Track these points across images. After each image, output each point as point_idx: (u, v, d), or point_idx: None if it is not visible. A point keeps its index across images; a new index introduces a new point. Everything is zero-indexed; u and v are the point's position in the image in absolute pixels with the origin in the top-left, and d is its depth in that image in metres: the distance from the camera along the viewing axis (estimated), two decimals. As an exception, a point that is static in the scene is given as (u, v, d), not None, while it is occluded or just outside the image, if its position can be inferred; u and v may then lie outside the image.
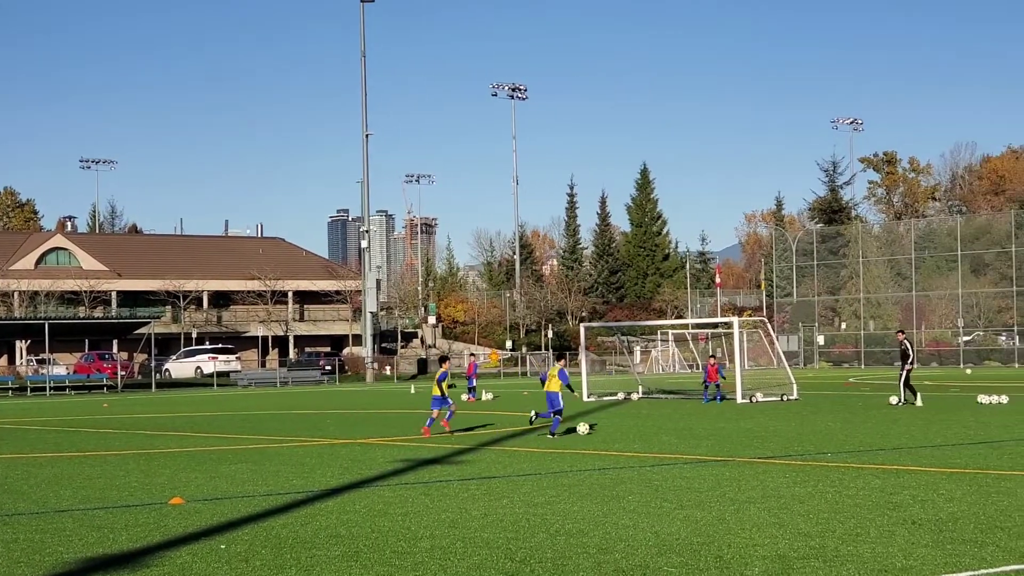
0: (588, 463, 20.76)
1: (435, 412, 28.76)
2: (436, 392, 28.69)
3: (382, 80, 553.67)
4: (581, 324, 54.63)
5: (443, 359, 31.21)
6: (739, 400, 41.45)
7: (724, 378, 44.40)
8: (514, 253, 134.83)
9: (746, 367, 50.46)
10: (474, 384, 48.82)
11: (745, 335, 56.58)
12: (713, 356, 48.72)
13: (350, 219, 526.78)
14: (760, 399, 41.76)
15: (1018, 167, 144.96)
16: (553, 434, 26.81)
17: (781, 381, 46.25)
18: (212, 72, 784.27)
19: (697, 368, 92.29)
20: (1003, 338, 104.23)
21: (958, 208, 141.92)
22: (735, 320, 47.84)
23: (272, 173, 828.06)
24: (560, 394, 27.59)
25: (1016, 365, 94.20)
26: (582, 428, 27.80)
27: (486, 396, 48.16)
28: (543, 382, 28.73)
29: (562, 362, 28.73)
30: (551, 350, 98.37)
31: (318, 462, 21.97)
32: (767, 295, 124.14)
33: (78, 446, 27.46)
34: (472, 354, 58.20)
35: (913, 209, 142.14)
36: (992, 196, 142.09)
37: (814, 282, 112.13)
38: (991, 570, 10.59)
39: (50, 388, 70.74)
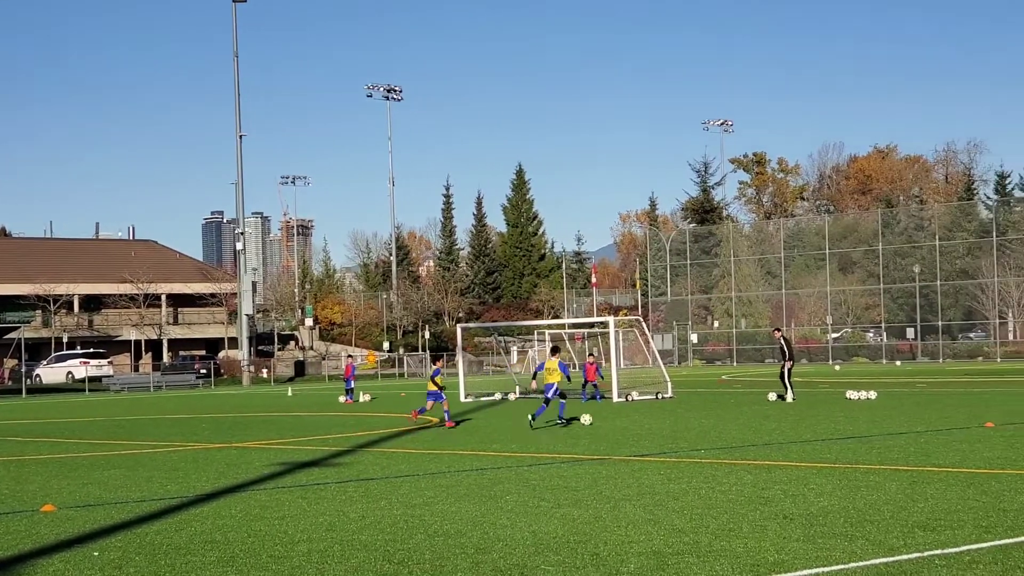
0: (466, 463, 20.81)
1: (429, 404, 31.39)
2: (431, 387, 31.21)
3: (257, 80, 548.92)
4: (458, 325, 54.69)
5: (436, 357, 33.94)
6: (615, 399, 41.84)
7: (603, 378, 44.77)
8: (391, 255, 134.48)
9: (622, 366, 50.94)
10: (352, 386, 48.63)
11: (621, 334, 57.18)
12: (591, 355, 49.10)
13: (225, 221, 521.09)
14: (636, 398, 42.19)
15: (884, 167, 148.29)
16: (562, 419, 29.80)
17: (656, 379, 46.81)
18: (81, 72, 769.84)
19: (575, 367, 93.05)
20: (871, 335, 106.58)
21: (826, 207, 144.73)
22: (611, 319, 48.25)
23: (144, 175, 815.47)
24: (556, 385, 29.87)
25: (884, 361, 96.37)
26: (585, 419, 30.08)
27: (364, 398, 47.99)
28: (536, 374, 31.86)
29: (559, 355, 30.97)
30: (428, 351, 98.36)
31: (193, 467, 21.73)
32: (642, 294, 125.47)
33: (-56, 454, 26.80)
34: (349, 356, 57.82)
35: (782, 209, 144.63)
36: (859, 195, 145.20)
37: (687, 281, 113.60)
38: (861, 563, 10.81)
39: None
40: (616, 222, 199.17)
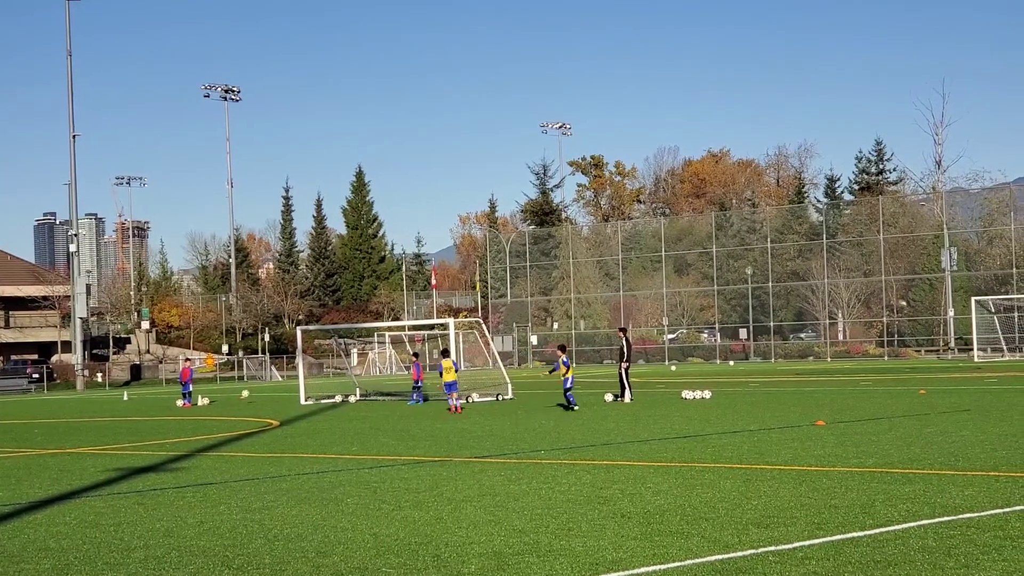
0: (306, 466, 20.70)
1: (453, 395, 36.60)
2: (449, 378, 36.71)
3: (91, 78, 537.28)
4: (298, 327, 54.32)
5: (444, 352, 39.66)
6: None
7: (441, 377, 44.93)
8: (229, 256, 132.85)
9: (462, 367, 51.07)
10: (189, 389, 47.84)
11: (461, 336, 57.32)
12: (416, 355, 49.44)
13: (58, 223, 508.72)
14: (476, 399, 42.34)
15: (717, 170, 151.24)
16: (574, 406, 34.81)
17: (496, 381, 47.04)
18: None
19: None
20: (705, 335, 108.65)
21: (662, 210, 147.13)
22: (451, 321, 48.39)
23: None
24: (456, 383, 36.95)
25: (718, 361, 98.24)
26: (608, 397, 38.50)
27: (202, 401, 47.39)
28: (555, 371, 37.25)
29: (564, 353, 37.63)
30: (268, 354, 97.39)
31: (25, 473, 21.24)
32: (482, 296, 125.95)
33: None
34: (187, 359, 56.92)
35: (620, 211, 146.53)
36: (694, 199, 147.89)
37: (527, 283, 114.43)
38: (697, 560, 10.99)
39: None
40: (456, 224, 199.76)
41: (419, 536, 12.85)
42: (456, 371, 37.48)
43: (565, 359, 36.47)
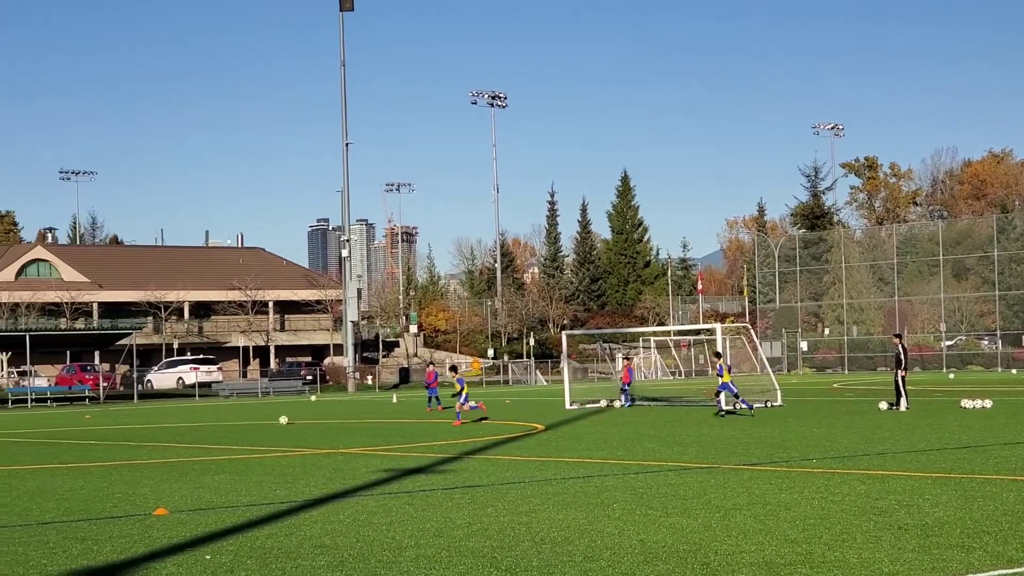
0: (572, 471, 20.71)
1: (465, 405, 36.74)
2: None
3: (362, 88, 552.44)
4: (563, 332, 54.54)
5: (452, 368, 41.40)
6: (723, 407, 41.39)
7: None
8: (495, 261, 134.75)
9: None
10: (435, 393, 47.78)
11: (728, 341, 56.65)
12: (627, 359, 49.69)
13: (330, 228, 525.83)
14: (741, 406, 41.69)
15: (999, 171, 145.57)
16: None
17: (765, 387, 46.28)
18: (192, 82, 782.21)
19: (680, 375, 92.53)
20: (985, 342, 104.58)
21: (939, 213, 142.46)
22: (717, 326, 47.83)
23: (252, 183, 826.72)
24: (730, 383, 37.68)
25: (999, 369, 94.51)
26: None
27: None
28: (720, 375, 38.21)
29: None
30: (533, 358, 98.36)
31: (301, 472, 21.88)
32: (749, 301, 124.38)
33: (60, 458, 27.30)
34: (430, 363, 57.73)
35: (894, 214, 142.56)
36: (973, 201, 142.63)
37: (797, 288, 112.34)
38: (979, 575, 10.56)
39: (32, 400, 70.43)
40: (723, 228, 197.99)
41: (687, 544, 12.66)
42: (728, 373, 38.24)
43: (720, 366, 38.28)
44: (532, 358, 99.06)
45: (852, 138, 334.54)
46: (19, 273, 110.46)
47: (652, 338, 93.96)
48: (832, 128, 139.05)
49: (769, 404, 42.46)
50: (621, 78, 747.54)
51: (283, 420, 38.53)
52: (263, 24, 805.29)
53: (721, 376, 38.28)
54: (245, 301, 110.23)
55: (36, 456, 28.18)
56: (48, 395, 73.69)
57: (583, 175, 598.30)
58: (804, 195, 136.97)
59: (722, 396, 37.36)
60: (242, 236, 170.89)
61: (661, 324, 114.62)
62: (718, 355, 39.85)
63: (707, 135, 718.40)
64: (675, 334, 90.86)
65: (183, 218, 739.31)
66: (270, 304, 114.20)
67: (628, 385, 46.61)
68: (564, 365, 50.10)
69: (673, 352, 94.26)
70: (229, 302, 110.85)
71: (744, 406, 37.04)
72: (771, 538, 12.83)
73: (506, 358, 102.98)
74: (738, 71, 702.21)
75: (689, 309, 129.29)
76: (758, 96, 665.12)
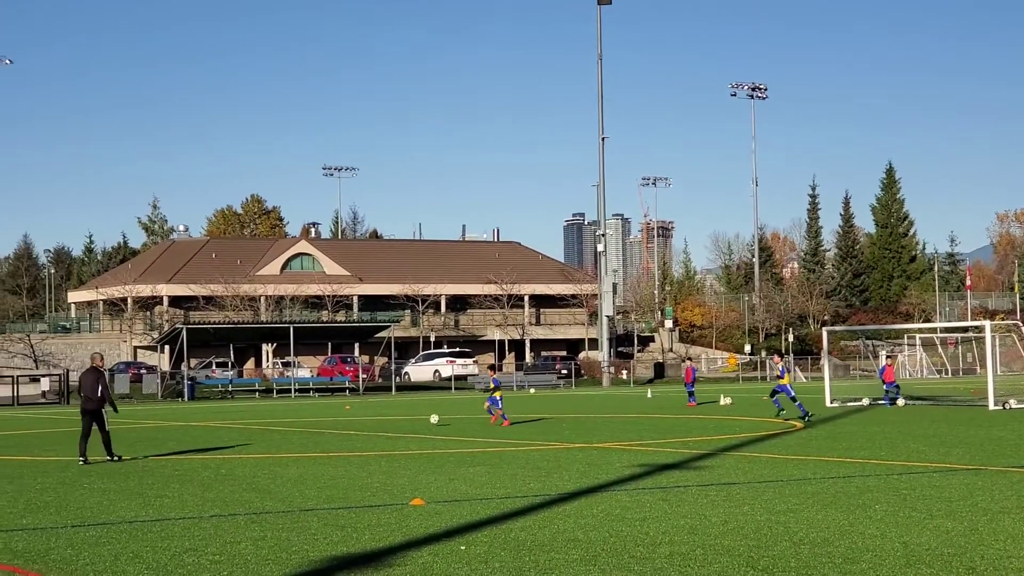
0: (832, 470, 20.21)
1: (495, 408, 36.27)
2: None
3: (618, 82, 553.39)
4: (823, 328, 53.45)
5: (491, 367, 41.44)
6: (991, 407, 39.89)
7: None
8: (753, 256, 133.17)
9: (998, 373, 48.46)
10: (692, 389, 47.77)
11: (997, 339, 54.48)
12: (891, 356, 48.15)
13: (586, 223, 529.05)
14: (1014, 405, 40.12)
15: None
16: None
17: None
18: (448, 80, 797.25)
19: (946, 374, 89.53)
20: None
21: None
22: (987, 324, 46.05)
23: (508, 178, 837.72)
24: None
25: None
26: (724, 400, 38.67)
27: (724, 401, 47.56)
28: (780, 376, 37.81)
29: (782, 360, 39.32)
30: (791, 355, 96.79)
31: (555, 466, 21.95)
32: (1021, 298, 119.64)
33: (322, 447, 28.10)
34: (688, 358, 57.17)
35: None
36: None
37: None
38: None
39: (295, 391, 72.91)
40: (992, 222, 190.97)
41: (952, 547, 12.20)
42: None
43: (783, 367, 38.44)
44: (791, 355, 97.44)
45: None
46: (284, 267, 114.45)
47: (917, 335, 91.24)
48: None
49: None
50: (884, 68, 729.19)
51: (434, 419, 35.86)
52: (520, 19, 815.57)
53: (781, 377, 37.63)
54: (501, 295, 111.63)
55: (299, 444, 29.07)
56: (310, 385, 76.17)
57: (846, 168, 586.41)
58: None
59: (778, 397, 36.24)
60: (498, 230, 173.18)
61: (927, 321, 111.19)
62: (781, 355, 38.90)
63: (975, 126, 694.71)
64: (941, 331, 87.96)
65: (441, 213, 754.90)
66: (526, 298, 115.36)
67: (892, 385, 45.33)
68: (824, 362, 49.19)
69: (939, 350, 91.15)
70: (485, 296, 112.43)
71: (800, 411, 35.16)
72: (1044, 545, 12.23)
73: (764, 354, 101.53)
74: (1008, 59, 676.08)
75: (956, 306, 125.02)
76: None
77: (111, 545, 13.27)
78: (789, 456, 23.21)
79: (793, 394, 36.55)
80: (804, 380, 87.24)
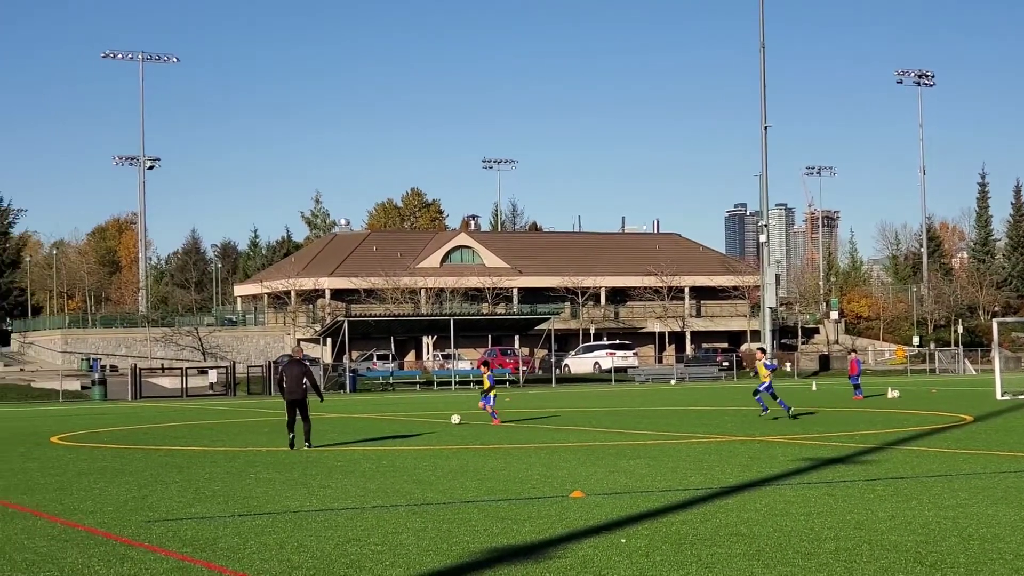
0: (1003, 465, 19.66)
1: (488, 405, 34.34)
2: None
3: (781, 70, 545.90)
4: (994, 319, 52.06)
5: (485, 363, 38.20)
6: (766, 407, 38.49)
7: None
8: (921, 246, 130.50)
9: None
10: (858, 382, 47.30)
11: None
12: (854, 351, 46.79)
13: (748, 214, 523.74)
14: None
15: None
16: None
17: None
18: (606, 69, 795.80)
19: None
20: None
21: None
22: None
23: (668, 168, 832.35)
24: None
25: None
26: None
27: (891, 394, 46.65)
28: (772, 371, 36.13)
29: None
30: (961, 346, 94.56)
31: (716, 459, 21.73)
32: None
33: (482, 439, 28.24)
34: (852, 350, 56.30)
35: None
36: None
37: None
38: None
39: (455, 383, 73.46)
40: None
41: None
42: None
43: (766, 362, 36.37)
44: (960, 346, 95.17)
45: None
46: (444, 259, 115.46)
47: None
48: None
49: None
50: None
51: (455, 419, 34.29)
52: (682, 9, 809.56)
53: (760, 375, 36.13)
54: (661, 287, 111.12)
55: (458, 436, 29.26)
56: (471, 378, 76.65)
57: (1017, 155, 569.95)
58: None
59: (761, 396, 34.60)
60: (658, 222, 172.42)
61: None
62: (763, 351, 37.33)
63: None
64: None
65: (600, 204, 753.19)
66: (686, 290, 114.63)
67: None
68: (995, 354, 47.97)
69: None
70: (645, 288, 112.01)
71: (783, 408, 33.89)
72: None
73: (932, 346, 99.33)
74: None
75: None
76: None
77: (276, 534, 13.50)
78: (958, 450, 22.65)
79: (773, 391, 34.81)
80: (974, 373, 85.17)
